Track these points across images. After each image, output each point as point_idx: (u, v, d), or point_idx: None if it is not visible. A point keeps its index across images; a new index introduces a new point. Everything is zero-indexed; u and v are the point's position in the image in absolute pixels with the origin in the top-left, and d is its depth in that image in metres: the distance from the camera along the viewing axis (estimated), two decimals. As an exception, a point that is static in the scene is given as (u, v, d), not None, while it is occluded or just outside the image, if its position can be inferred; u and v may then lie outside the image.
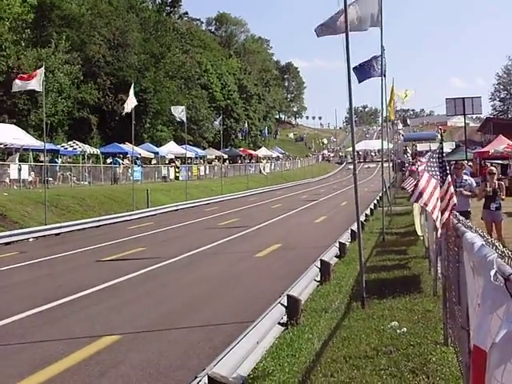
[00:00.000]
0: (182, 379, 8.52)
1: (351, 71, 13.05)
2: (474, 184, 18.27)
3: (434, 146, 57.94)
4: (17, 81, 32.13)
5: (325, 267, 15.52)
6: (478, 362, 3.36)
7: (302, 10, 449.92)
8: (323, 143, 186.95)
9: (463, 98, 55.80)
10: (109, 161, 57.42)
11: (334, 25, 13.82)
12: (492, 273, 3.41)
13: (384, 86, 26.31)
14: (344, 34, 12.99)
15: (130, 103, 41.29)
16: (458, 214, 9.30)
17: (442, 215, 9.24)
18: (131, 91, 41.71)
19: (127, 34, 73.99)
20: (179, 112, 52.84)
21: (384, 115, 34.84)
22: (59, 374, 9.13)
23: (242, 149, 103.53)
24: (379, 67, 24.15)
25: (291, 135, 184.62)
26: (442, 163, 9.73)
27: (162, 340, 10.91)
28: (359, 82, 22.78)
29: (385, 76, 25.65)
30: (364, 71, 23.53)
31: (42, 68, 32.24)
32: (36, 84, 31.32)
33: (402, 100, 35.19)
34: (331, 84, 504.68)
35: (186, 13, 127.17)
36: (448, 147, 57.48)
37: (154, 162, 67.61)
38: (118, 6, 77.65)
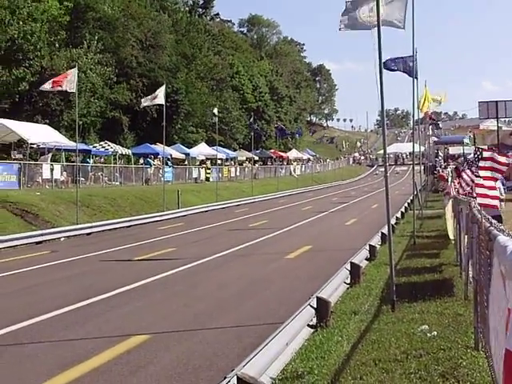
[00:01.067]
0: (211, 379, 8.53)
1: (383, 73, 12.98)
2: (502, 188, 18.20)
3: (467, 149, 57.48)
4: (46, 85, 32.47)
5: (355, 270, 15.47)
6: (511, 365, 3.34)
7: (334, 12, 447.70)
8: (358, 144, 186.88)
9: (496, 101, 55.38)
10: (141, 161, 57.62)
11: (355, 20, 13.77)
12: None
13: (416, 88, 26.15)
14: (376, 35, 12.94)
15: (153, 100, 41.33)
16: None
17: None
18: (161, 89, 41.63)
19: (159, 35, 74.27)
20: (214, 113, 53.56)
21: (415, 118, 34.65)
22: (89, 373, 9.18)
23: (272, 150, 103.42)
24: (411, 65, 24.12)
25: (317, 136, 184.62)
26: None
27: (191, 340, 10.94)
28: (385, 68, 22.78)
29: (417, 78, 25.56)
30: (394, 63, 23.63)
31: (75, 68, 32.49)
32: (68, 84, 31.54)
33: (438, 103, 34.95)
34: (362, 86, 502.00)
35: (218, 14, 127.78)
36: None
37: (185, 162, 67.76)
38: (149, 8, 77.92)
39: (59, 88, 32.01)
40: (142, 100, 43.14)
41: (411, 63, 24.46)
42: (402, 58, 24.70)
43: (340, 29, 13.95)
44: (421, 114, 40.46)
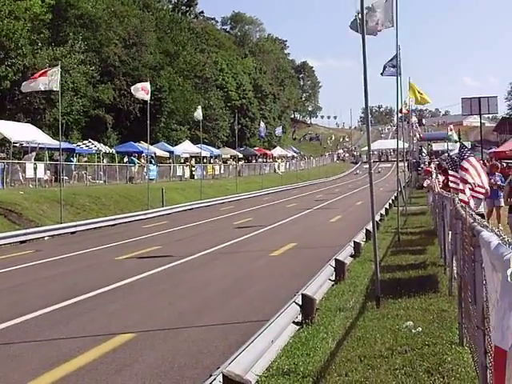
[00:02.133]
0: (197, 377, 8.54)
1: (367, 71, 13.00)
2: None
3: (451, 145, 57.68)
4: (27, 82, 32.34)
5: (340, 266, 15.52)
6: (499, 362, 3.36)
7: (315, 9, 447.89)
8: (342, 139, 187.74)
9: (479, 98, 55.68)
10: (125, 160, 57.42)
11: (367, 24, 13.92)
12: (509, 272, 3.39)
13: (400, 84, 26.22)
14: (360, 34, 12.98)
15: (140, 91, 41.39)
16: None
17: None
18: (147, 84, 41.76)
19: (142, 33, 74.07)
20: (198, 113, 53.45)
21: (399, 115, 34.70)
22: (74, 372, 9.17)
23: (256, 148, 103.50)
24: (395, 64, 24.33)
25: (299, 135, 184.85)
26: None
27: (176, 338, 10.94)
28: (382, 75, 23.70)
29: (400, 74, 25.68)
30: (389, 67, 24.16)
31: (58, 67, 32.31)
32: (51, 83, 31.40)
33: (419, 101, 35.04)
34: (345, 83, 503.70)
35: (202, 12, 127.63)
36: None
37: (169, 161, 67.61)
38: (132, 6, 77.64)
39: (40, 85, 31.73)
40: (132, 88, 42.99)
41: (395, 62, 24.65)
42: (390, 60, 24.95)
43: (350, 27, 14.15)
44: (404, 111, 40.56)
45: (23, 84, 32.95)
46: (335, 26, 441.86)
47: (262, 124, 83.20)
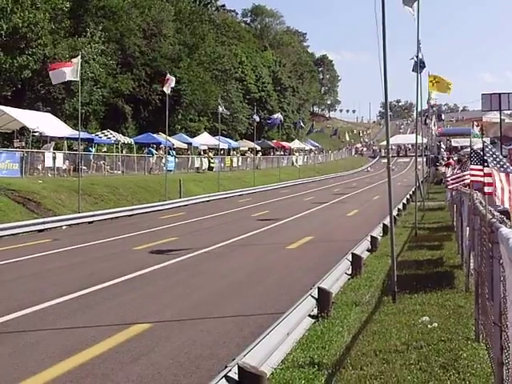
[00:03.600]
0: (212, 368, 8.55)
1: (387, 64, 12.95)
2: None
3: (473, 141, 57.33)
4: (53, 72, 32.29)
5: (356, 261, 15.50)
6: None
7: (335, 2, 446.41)
8: (361, 133, 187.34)
9: (499, 94, 55.20)
10: (145, 151, 57.45)
11: None
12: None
13: (420, 79, 26.10)
14: (381, 28, 12.93)
15: (170, 84, 41.67)
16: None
17: None
18: (172, 79, 42.12)
19: (162, 23, 74.07)
20: (220, 106, 53.62)
21: (419, 109, 34.54)
22: (90, 361, 9.22)
23: (274, 141, 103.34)
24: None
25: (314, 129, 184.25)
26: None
27: (192, 329, 10.96)
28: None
29: (424, 67, 25.65)
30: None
31: (79, 57, 32.38)
32: (72, 73, 31.49)
33: (446, 90, 34.71)
34: (362, 77, 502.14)
35: (223, 6, 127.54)
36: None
37: (188, 152, 67.63)
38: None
39: (64, 73, 31.74)
40: (165, 89, 43.11)
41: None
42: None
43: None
44: (425, 106, 40.41)
45: (51, 75, 32.84)
46: (355, 19, 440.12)
47: (278, 114, 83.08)
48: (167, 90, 41.79)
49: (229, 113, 53.53)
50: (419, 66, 25.35)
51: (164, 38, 74.20)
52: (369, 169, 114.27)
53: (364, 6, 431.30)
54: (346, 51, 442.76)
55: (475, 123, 61.08)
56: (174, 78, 42.59)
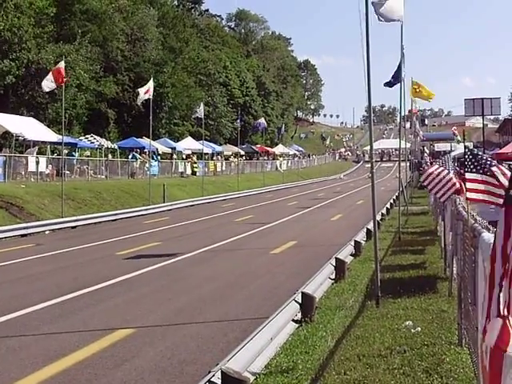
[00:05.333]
0: (196, 373, 8.56)
1: (370, 70, 13.01)
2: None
3: (454, 145, 57.67)
4: (46, 81, 32.10)
5: (340, 265, 15.54)
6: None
7: (319, 7, 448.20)
8: (345, 138, 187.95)
9: (482, 99, 55.61)
10: (130, 156, 57.21)
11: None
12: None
13: (404, 85, 26.17)
14: (364, 31, 12.97)
15: (143, 95, 41.42)
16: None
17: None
18: (150, 83, 41.85)
19: (145, 28, 73.95)
20: (199, 110, 53.24)
21: (402, 114, 34.63)
22: (73, 366, 9.19)
23: (258, 146, 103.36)
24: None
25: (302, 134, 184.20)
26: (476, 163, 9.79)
27: (176, 334, 10.96)
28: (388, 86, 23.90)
29: (403, 74, 25.65)
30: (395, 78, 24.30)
31: (62, 62, 32.24)
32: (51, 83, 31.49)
33: (428, 99, 34.82)
34: (348, 82, 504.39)
35: (207, 10, 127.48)
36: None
37: (174, 156, 67.44)
38: (137, 0, 77.45)
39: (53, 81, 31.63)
40: (138, 98, 42.89)
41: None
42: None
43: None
44: (407, 110, 40.52)
45: (43, 84, 32.63)
46: (336, 23, 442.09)
47: (262, 120, 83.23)
48: (149, 95, 41.54)
49: (202, 115, 52.97)
50: (402, 68, 25.41)
51: (148, 43, 74.09)
52: (341, 176, 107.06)
53: (345, 11, 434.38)
54: (326, 56, 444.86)
55: (454, 130, 61.65)
56: (151, 84, 42.32)
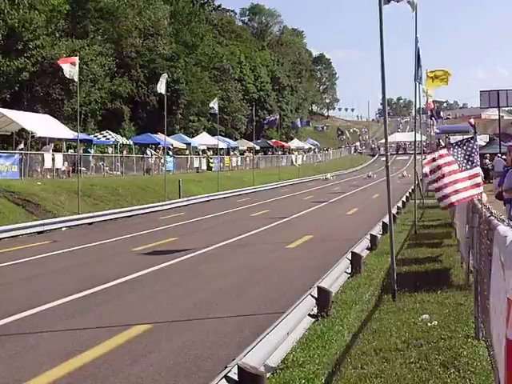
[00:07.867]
0: (212, 369, 8.54)
1: (384, 62, 12.94)
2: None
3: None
4: (65, 66, 31.92)
5: (356, 259, 15.50)
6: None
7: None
8: (360, 132, 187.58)
9: (498, 91, 55.27)
10: (148, 153, 57.26)
11: None
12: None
13: (419, 77, 25.95)
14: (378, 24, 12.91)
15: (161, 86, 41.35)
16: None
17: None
18: (164, 76, 41.73)
19: (159, 23, 73.96)
20: (215, 105, 53.02)
21: (417, 107, 34.38)
22: (91, 362, 9.21)
23: (274, 140, 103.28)
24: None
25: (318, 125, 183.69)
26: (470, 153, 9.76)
27: (192, 330, 10.97)
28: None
29: (420, 67, 25.45)
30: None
31: (77, 58, 32.30)
32: (71, 72, 31.43)
33: (445, 81, 34.32)
34: (363, 75, 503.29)
35: (220, 6, 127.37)
36: (482, 140, 56.92)
37: (186, 152, 67.48)
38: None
39: (67, 71, 31.56)
40: (158, 87, 42.53)
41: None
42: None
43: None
44: (423, 103, 40.18)
45: (64, 70, 32.47)
46: (346, 17, 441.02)
47: (274, 114, 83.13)
48: (162, 90, 41.20)
49: (217, 110, 52.63)
50: (416, 63, 25.21)
51: (161, 38, 74.12)
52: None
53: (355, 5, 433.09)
54: (336, 50, 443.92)
55: (472, 122, 61.33)
56: (165, 75, 42.18)
